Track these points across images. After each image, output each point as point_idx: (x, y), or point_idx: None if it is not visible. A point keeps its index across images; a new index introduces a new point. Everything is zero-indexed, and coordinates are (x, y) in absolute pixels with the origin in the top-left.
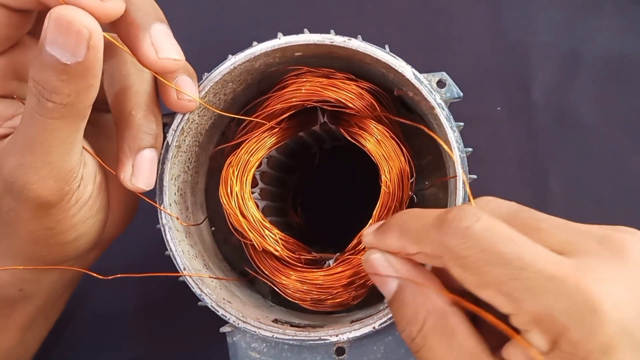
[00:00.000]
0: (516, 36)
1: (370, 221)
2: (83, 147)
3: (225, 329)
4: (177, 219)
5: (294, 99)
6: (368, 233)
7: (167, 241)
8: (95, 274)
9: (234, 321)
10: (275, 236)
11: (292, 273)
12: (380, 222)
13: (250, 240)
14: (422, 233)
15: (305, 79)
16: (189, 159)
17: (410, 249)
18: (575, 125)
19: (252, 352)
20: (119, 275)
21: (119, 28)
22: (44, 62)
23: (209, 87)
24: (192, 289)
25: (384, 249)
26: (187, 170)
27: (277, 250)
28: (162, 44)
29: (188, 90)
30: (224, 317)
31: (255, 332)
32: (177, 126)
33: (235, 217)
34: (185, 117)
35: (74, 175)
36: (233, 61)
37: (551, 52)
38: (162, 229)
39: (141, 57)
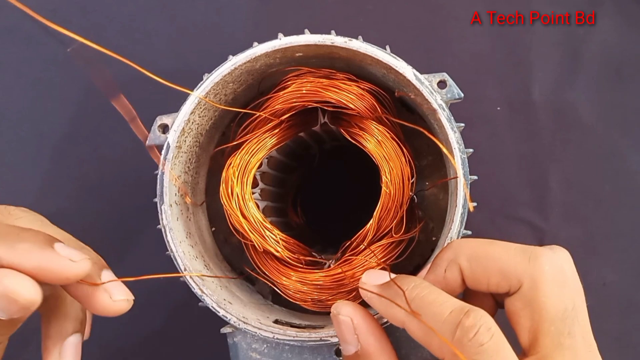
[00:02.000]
0: (516, 36)
1: (371, 221)
2: None
3: (225, 329)
4: (186, 195)
5: (294, 100)
6: (369, 284)
7: (168, 242)
8: (92, 283)
9: (234, 322)
10: (276, 237)
11: (292, 273)
12: (382, 274)
13: (251, 241)
14: (436, 321)
15: (305, 80)
16: (190, 159)
17: (411, 324)
18: (575, 125)
19: (253, 353)
20: (117, 280)
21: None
22: None
23: (209, 87)
24: (192, 289)
25: (385, 307)
26: (188, 170)
27: (277, 251)
28: (112, 287)
29: (118, 290)
30: (224, 318)
31: (256, 332)
32: (178, 127)
33: (236, 218)
34: (186, 118)
35: None
36: (234, 62)
37: (551, 52)
38: (162, 230)
39: (98, 307)
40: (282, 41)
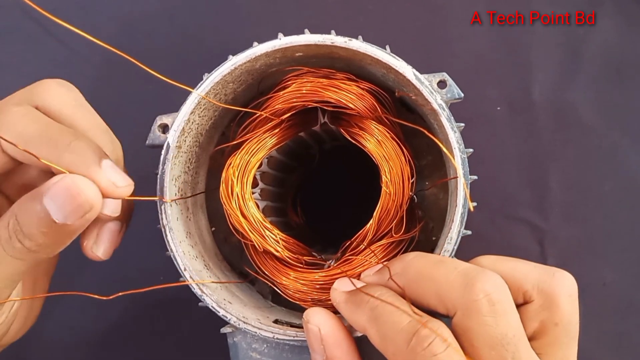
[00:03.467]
0: (516, 36)
1: (371, 220)
2: None
3: (226, 329)
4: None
5: (294, 100)
6: (338, 290)
7: (168, 242)
8: (97, 296)
9: (234, 322)
10: (276, 236)
11: (292, 273)
12: (353, 282)
13: (251, 241)
14: (394, 329)
15: (305, 80)
16: (190, 159)
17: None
18: (575, 125)
19: (253, 353)
20: (120, 294)
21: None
22: (33, 209)
23: (209, 87)
24: (192, 289)
25: (349, 312)
26: (188, 170)
27: (277, 251)
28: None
29: (116, 175)
30: (224, 318)
31: (256, 332)
32: (178, 127)
33: (236, 218)
34: (186, 118)
35: None
36: (234, 61)
37: (551, 52)
38: (162, 229)
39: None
40: (282, 41)
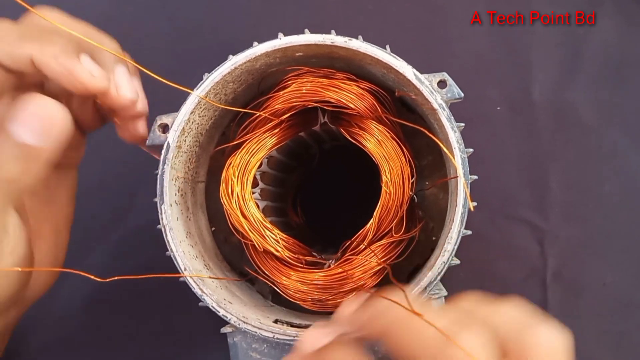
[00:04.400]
0: (516, 36)
1: (372, 220)
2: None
3: (226, 329)
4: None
5: (294, 99)
6: (348, 305)
7: (168, 242)
8: (93, 277)
9: (234, 322)
10: (276, 236)
11: (292, 273)
12: (358, 299)
13: (251, 241)
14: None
15: (305, 79)
16: (190, 159)
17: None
18: (575, 125)
19: (253, 353)
20: (116, 278)
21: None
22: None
23: (209, 87)
24: (192, 289)
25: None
26: (188, 170)
27: (277, 251)
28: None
29: (125, 83)
30: (224, 318)
31: (256, 332)
32: (178, 127)
33: (236, 218)
34: (186, 118)
35: None
36: (234, 61)
37: (551, 52)
38: (162, 229)
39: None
40: (282, 41)
